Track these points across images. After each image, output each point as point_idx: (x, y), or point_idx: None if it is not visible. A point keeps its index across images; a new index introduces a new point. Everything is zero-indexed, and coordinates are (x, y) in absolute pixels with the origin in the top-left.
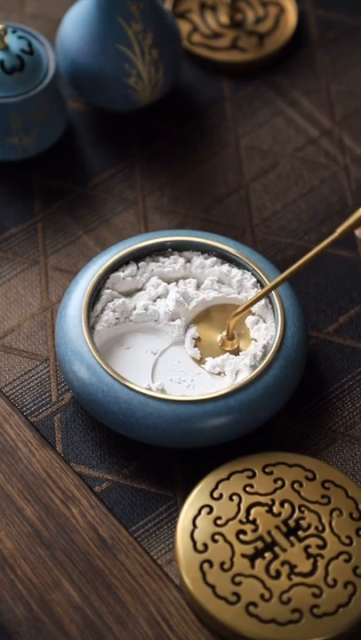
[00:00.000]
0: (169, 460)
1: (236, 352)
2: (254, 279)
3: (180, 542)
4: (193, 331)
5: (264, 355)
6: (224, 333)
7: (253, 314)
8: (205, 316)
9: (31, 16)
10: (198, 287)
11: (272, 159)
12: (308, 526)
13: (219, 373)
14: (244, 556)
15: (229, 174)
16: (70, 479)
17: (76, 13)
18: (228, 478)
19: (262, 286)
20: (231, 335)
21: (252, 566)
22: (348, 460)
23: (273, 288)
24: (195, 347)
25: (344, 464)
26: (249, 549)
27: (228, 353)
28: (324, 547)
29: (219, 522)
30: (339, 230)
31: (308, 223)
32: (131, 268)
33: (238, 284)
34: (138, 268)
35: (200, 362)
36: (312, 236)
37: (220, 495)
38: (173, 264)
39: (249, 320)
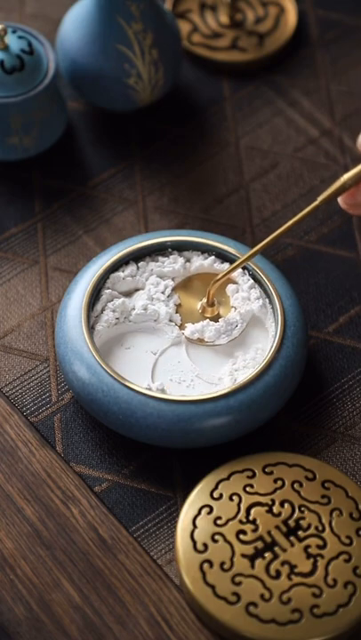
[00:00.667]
0: (169, 460)
1: (215, 319)
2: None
3: (180, 542)
4: (174, 297)
5: (242, 322)
6: (204, 300)
7: (234, 282)
8: (187, 283)
9: (31, 16)
10: None
11: (272, 159)
12: (308, 526)
13: (198, 339)
14: (244, 556)
15: (229, 174)
16: (70, 479)
17: (76, 13)
18: (228, 478)
19: (262, 286)
20: (211, 302)
21: (252, 566)
22: (348, 459)
23: (256, 253)
24: (176, 312)
25: (344, 464)
26: (249, 549)
27: (208, 319)
28: (324, 547)
29: (219, 522)
30: (320, 198)
31: (308, 223)
32: (131, 268)
33: (238, 284)
34: (138, 267)
35: (180, 327)
36: (312, 235)
37: (220, 495)
38: (173, 264)
39: (229, 288)
